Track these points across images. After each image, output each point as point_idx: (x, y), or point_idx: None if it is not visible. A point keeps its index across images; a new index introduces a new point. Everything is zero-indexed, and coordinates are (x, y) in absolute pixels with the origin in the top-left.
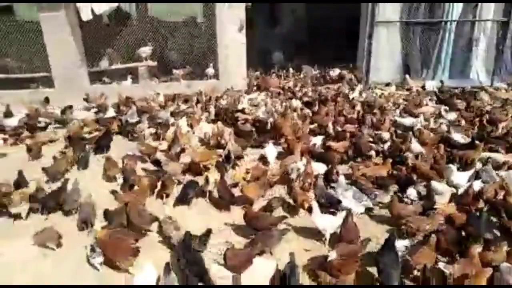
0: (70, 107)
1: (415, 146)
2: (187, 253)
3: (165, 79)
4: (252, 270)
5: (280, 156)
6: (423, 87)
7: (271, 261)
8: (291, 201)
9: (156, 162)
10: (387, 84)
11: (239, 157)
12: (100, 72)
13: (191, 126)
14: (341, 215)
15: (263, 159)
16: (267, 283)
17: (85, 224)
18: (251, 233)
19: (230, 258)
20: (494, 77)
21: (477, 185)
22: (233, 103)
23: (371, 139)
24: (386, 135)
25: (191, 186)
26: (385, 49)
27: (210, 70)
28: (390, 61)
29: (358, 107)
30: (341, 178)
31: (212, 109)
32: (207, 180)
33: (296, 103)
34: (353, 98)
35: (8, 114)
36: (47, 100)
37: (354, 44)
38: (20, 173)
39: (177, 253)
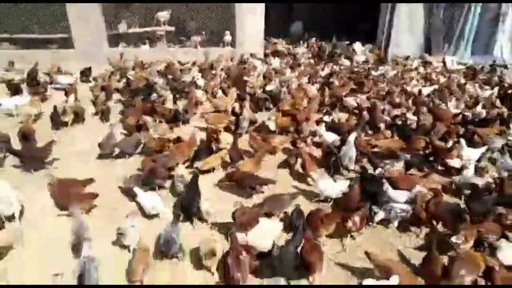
0: (89, 69)
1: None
2: (186, 189)
3: (182, 45)
4: (258, 228)
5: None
6: (443, 62)
7: (277, 222)
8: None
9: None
10: (407, 58)
11: (254, 123)
12: (119, 35)
13: (206, 91)
14: (344, 182)
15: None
16: (271, 242)
17: None
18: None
19: (238, 216)
20: None
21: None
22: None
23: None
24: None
25: (203, 149)
26: (406, 23)
27: (227, 37)
28: (411, 36)
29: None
30: (351, 137)
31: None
32: (217, 139)
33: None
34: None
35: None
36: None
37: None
38: None
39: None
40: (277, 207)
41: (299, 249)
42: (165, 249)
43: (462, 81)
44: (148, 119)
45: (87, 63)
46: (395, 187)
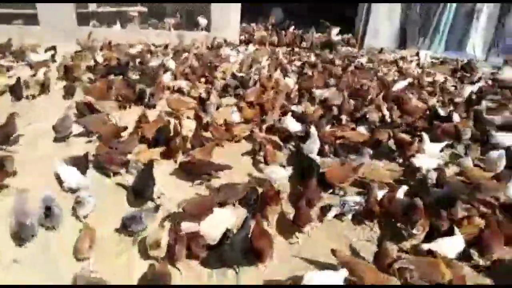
0: (54, 47)
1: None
2: (140, 174)
3: (155, 27)
4: (211, 218)
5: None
6: (417, 56)
7: (232, 211)
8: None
9: None
10: (380, 51)
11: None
12: (89, 14)
13: (174, 76)
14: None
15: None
16: (222, 231)
17: None
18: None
19: (189, 208)
20: (491, 51)
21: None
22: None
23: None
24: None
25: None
26: (384, 15)
27: (202, 21)
28: (388, 27)
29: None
30: (313, 130)
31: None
32: (180, 125)
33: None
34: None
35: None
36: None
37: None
38: None
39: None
40: (231, 196)
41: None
42: (128, 223)
43: (441, 77)
44: None
45: (54, 41)
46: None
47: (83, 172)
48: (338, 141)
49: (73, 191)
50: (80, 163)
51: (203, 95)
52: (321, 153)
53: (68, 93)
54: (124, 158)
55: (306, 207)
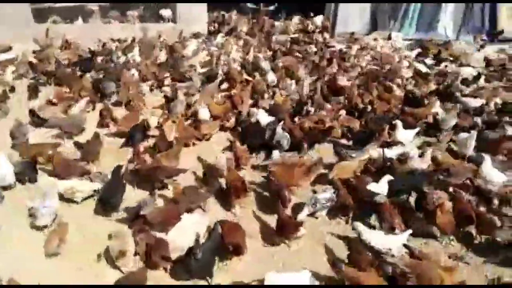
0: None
1: None
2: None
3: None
4: (179, 226)
5: None
6: (389, 38)
7: (201, 217)
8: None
9: None
10: (352, 34)
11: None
12: (47, 9)
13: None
14: None
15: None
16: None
17: None
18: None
19: (153, 217)
20: (461, 31)
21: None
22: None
23: None
24: None
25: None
26: (353, 4)
27: (166, 12)
28: (358, 15)
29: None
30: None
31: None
32: (148, 125)
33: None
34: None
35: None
36: None
37: None
38: None
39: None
40: (194, 201)
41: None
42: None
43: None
44: None
45: (7, 40)
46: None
47: (32, 179)
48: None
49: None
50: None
51: (169, 94)
52: (297, 147)
53: (33, 92)
54: (84, 167)
55: (288, 217)
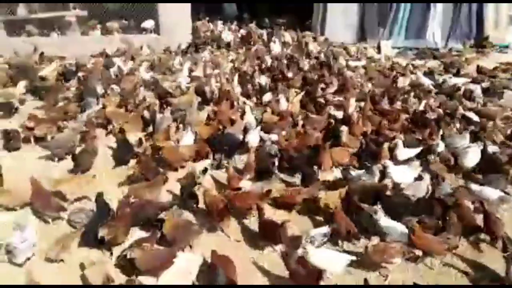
0: None
1: None
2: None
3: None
4: (172, 269)
5: None
6: (378, 47)
7: (194, 256)
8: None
9: None
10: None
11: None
12: (20, 22)
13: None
14: None
15: None
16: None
17: None
18: None
19: (143, 263)
20: (449, 39)
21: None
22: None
23: None
24: None
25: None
26: (340, 13)
27: (148, 23)
28: (346, 23)
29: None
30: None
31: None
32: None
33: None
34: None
35: None
36: None
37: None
38: None
39: None
40: (187, 239)
41: None
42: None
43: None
44: None
45: None
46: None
47: None
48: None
49: None
50: None
51: (146, 114)
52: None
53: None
54: (60, 202)
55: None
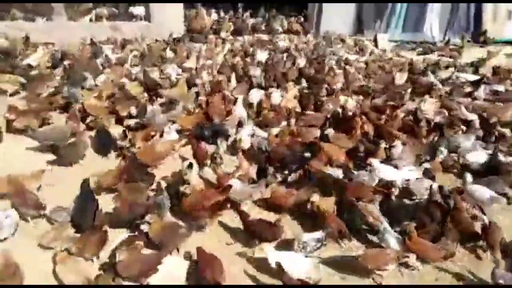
0: None
1: None
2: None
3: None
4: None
5: None
6: (375, 41)
7: (180, 260)
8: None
9: None
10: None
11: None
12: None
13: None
14: None
15: None
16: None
17: None
18: None
19: (123, 268)
20: (447, 32)
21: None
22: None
23: None
24: None
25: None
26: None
27: (137, 10)
28: (343, 14)
29: None
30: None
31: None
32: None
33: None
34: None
35: None
36: None
37: None
38: None
39: None
40: (174, 243)
41: None
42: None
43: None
44: None
45: None
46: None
47: None
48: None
49: None
50: None
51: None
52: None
53: None
54: (39, 200)
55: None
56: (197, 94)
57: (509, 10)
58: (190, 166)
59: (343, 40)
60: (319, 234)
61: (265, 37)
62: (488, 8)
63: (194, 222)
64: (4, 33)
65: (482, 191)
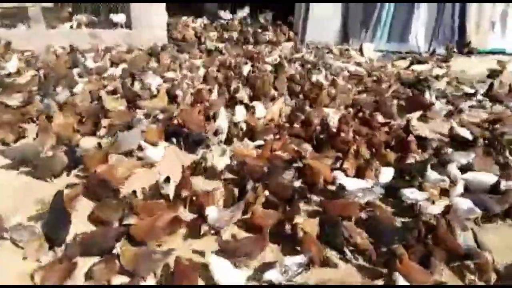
0: None
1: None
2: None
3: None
4: None
5: None
6: (360, 50)
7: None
8: None
9: None
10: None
11: None
12: None
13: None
14: None
15: None
16: None
17: None
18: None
19: None
20: (432, 42)
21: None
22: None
23: None
24: None
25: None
26: (323, 12)
27: (118, 18)
28: (329, 23)
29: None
30: None
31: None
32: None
33: None
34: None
35: None
36: None
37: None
38: None
39: None
40: (145, 270)
41: None
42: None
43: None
44: None
45: None
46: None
47: None
48: None
49: None
50: None
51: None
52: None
53: None
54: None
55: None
56: (178, 105)
57: (492, 21)
58: (167, 180)
59: (329, 50)
60: (300, 258)
61: (250, 47)
62: (471, 18)
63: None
64: None
65: (462, 202)
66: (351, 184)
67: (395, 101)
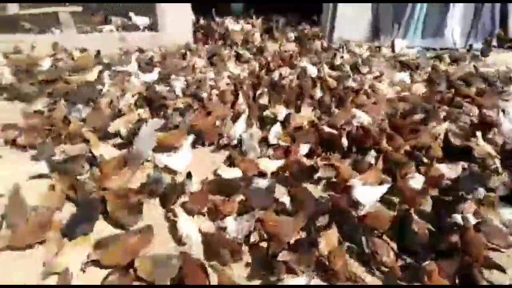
0: None
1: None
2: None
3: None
4: None
5: None
6: (392, 46)
7: None
8: None
9: None
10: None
11: None
12: (13, 18)
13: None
14: None
15: None
16: None
17: None
18: None
19: None
20: (470, 38)
21: None
22: None
23: None
24: None
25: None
26: (353, 8)
27: (138, 19)
28: (359, 20)
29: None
30: None
31: None
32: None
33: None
34: None
35: None
36: None
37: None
38: None
39: None
40: (162, 278)
41: None
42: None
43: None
44: None
45: None
46: None
47: None
48: None
49: None
50: None
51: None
52: None
53: None
54: None
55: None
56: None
57: None
58: (189, 176)
59: (360, 47)
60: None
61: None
62: None
63: None
64: (15, 46)
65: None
66: (369, 194)
67: None
